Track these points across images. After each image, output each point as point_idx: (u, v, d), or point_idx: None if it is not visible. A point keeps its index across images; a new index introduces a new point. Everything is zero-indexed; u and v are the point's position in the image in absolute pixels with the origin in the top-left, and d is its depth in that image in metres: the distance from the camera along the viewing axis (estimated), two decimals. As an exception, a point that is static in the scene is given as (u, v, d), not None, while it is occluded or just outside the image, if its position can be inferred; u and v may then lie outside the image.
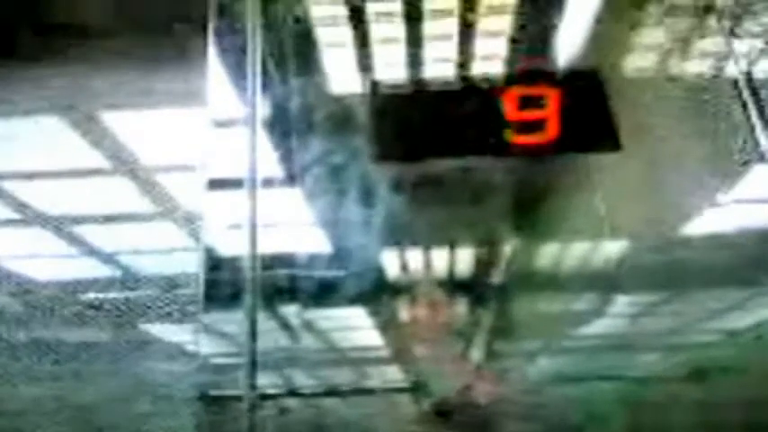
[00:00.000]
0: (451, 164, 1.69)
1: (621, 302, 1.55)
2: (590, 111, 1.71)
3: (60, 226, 1.69)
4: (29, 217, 1.70)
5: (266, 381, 1.47)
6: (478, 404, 1.43)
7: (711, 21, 1.82)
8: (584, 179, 1.66)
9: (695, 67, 1.78)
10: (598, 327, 1.54)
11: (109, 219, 1.70)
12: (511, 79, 1.78)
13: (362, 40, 1.87)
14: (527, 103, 1.72)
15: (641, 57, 1.83)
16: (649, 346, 1.49)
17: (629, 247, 1.60)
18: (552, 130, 1.69)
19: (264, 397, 1.46)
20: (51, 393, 1.50)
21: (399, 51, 1.85)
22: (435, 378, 1.47)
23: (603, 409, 1.40)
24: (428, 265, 1.62)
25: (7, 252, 1.68)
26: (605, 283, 1.56)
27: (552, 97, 1.71)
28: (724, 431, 1.38)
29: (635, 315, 1.54)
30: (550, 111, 1.70)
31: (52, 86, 1.79)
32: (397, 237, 1.63)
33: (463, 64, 1.84)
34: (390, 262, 1.62)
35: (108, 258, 1.67)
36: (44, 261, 1.69)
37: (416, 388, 1.47)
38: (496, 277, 1.61)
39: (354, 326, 1.57)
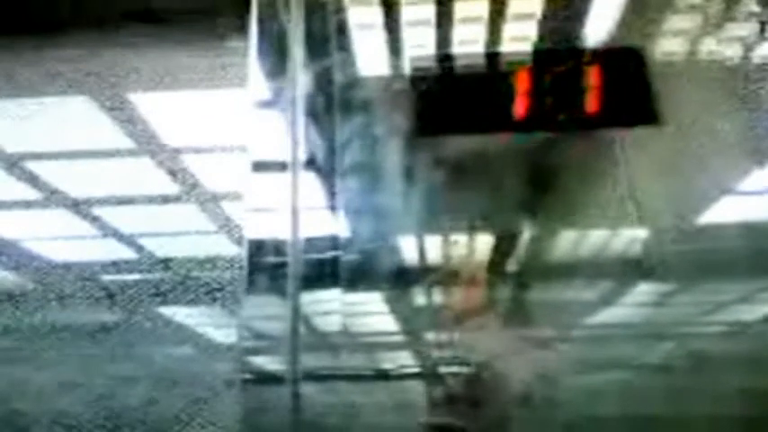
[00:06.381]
0: (491, 140, 1.71)
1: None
2: (629, 87, 1.72)
3: (97, 207, 1.68)
4: (64, 198, 1.69)
5: (309, 364, 1.47)
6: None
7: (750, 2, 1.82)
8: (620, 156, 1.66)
9: (732, 49, 1.78)
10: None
11: (150, 200, 1.70)
12: (549, 56, 1.78)
13: (401, 20, 1.86)
14: (566, 79, 1.73)
15: (678, 38, 1.82)
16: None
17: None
18: (592, 106, 1.70)
19: (307, 380, 1.45)
20: (98, 374, 1.50)
21: (433, 32, 1.84)
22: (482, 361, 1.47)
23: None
24: (478, 245, 1.62)
25: (48, 233, 1.68)
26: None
27: (592, 74, 1.72)
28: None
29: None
30: (590, 86, 1.71)
31: (88, 66, 1.78)
32: (441, 217, 1.63)
33: (498, 42, 1.84)
34: (434, 243, 1.62)
35: (147, 240, 1.66)
36: (86, 242, 1.68)
37: (456, 372, 1.47)
38: (553, 254, 1.62)
39: (397, 309, 1.57)
